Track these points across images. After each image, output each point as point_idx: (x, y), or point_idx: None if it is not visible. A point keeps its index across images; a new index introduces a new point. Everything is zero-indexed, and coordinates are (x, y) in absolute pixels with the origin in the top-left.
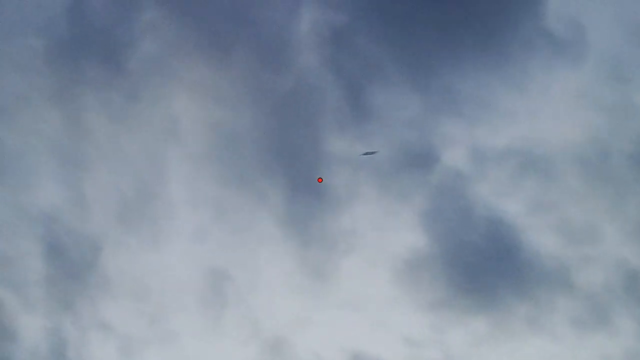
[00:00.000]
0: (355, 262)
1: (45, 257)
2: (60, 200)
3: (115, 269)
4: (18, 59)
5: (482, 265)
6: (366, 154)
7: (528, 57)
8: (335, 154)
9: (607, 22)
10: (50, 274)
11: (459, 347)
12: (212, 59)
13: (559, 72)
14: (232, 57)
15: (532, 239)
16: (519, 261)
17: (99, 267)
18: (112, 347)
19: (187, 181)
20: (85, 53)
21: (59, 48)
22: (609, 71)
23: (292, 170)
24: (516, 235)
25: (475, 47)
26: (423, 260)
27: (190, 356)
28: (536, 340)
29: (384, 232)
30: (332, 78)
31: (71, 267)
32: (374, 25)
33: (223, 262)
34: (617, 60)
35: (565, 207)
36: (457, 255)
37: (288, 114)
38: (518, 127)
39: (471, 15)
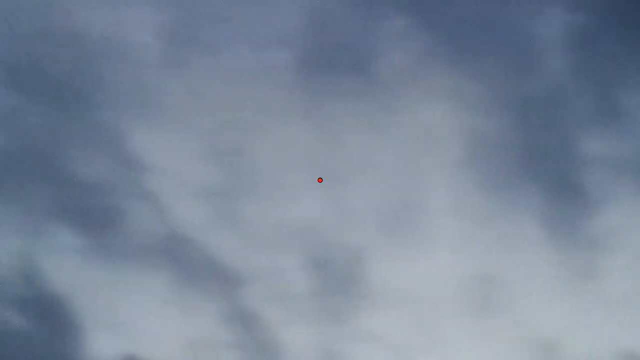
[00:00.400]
0: (619, 262)
1: (308, 271)
2: (320, 213)
3: (379, 279)
4: (268, 73)
5: None
6: None
7: None
8: (589, 155)
9: None
10: (314, 286)
11: None
12: (460, 65)
13: None
14: (479, 63)
15: None
16: None
17: (362, 277)
18: (379, 357)
19: (446, 189)
20: (334, 65)
21: (308, 61)
22: None
23: (548, 173)
24: None
25: None
26: None
27: None
28: None
29: None
30: (581, 79)
31: (334, 279)
32: (620, 24)
33: (487, 267)
34: None
35: None
36: None
37: (539, 117)
38: None
39: None
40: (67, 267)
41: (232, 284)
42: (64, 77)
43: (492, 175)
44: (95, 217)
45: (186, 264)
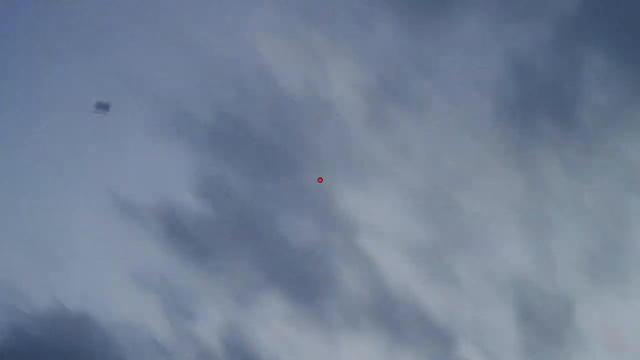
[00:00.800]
0: None
1: (519, 322)
2: (528, 262)
3: (591, 325)
4: (471, 124)
5: None
6: None
7: None
8: None
9: None
10: (526, 338)
11: None
12: None
13: None
14: None
15: None
16: None
17: (573, 325)
18: None
19: None
20: (535, 111)
21: (509, 109)
22: None
23: None
24: None
25: None
26: None
27: None
28: None
29: None
30: None
31: (546, 328)
32: None
33: None
34: None
35: None
36: None
37: None
38: None
39: None
40: (275, 335)
41: (443, 342)
42: (266, 140)
43: None
44: (304, 283)
45: (397, 324)
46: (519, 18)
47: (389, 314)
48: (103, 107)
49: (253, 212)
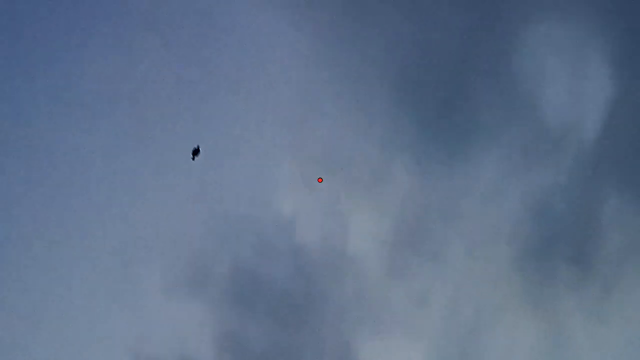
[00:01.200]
0: None
1: None
2: None
3: None
4: (488, 269)
5: None
6: None
7: None
8: None
9: None
10: None
11: None
12: None
13: None
14: None
15: None
16: None
17: None
18: None
19: None
20: (553, 254)
21: (527, 252)
22: None
23: None
24: None
25: None
26: None
27: None
28: None
29: None
30: None
31: None
32: None
33: None
34: None
35: None
36: None
37: None
38: None
39: None
40: None
41: None
42: (285, 293)
43: None
44: None
45: None
46: (534, 162)
47: None
48: (196, 153)
49: None
